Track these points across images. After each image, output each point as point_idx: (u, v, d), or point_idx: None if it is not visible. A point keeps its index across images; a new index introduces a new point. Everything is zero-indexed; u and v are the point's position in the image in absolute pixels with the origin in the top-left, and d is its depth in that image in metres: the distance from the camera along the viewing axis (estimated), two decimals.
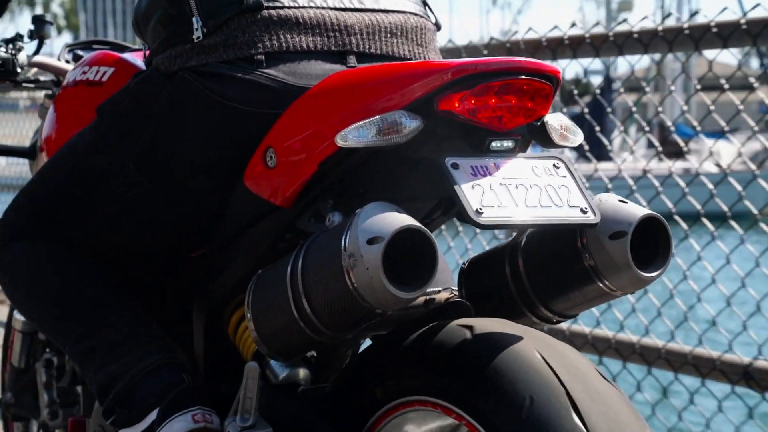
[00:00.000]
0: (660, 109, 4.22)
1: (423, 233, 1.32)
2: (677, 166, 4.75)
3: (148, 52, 1.75)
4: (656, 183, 3.67)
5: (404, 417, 1.48)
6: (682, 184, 3.56)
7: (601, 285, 1.45)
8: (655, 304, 3.67)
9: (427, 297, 1.54)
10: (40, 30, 2.38)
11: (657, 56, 5.02)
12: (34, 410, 2.35)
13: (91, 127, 1.80)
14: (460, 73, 1.39)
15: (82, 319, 1.73)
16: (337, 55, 1.63)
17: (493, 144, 1.43)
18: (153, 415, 1.61)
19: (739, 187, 3.40)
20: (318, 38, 1.62)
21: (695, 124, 3.81)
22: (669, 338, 3.48)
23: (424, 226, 1.33)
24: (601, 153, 4.45)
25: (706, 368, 3.29)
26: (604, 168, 3.93)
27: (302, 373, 1.61)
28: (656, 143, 4.36)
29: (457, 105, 1.39)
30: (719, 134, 3.87)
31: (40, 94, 2.44)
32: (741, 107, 3.43)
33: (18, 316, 2.44)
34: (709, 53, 3.59)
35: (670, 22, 3.56)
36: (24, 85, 2.38)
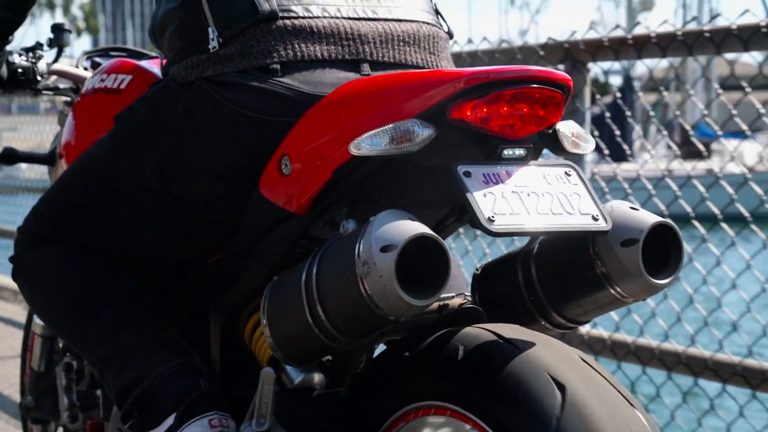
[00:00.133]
0: (677, 113, 4.21)
1: (436, 241, 1.34)
2: (699, 167, 4.72)
3: (164, 62, 1.77)
4: (674, 187, 3.65)
5: (418, 422, 1.49)
6: (701, 188, 3.54)
7: (612, 292, 1.46)
8: (675, 308, 3.64)
9: (441, 302, 1.55)
10: (59, 38, 2.41)
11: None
12: (54, 413, 2.37)
13: (109, 135, 1.83)
14: (472, 82, 1.40)
15: (100, 325, 1.76)
16: (351, 64, 1.65)
17: (505, 152, 1.44)
18: (170, 420, 1.63)
19: (760, 191, 3.38)
20: (332, 47, 1.64)
21: (716, 127, 3.79)
22: (689, 343, 3.46)
23: (436, 234, 1.34)
24: (621, 154, 4.43)
25: (726, 373, 3.28)
26: (625, 169, 3.90)
27: (317, 377, 1.62)
28: (674, 146, 4.33)
29: (469, 113, 1.40)
30: (742, 135, 3.85)
31: (60, 97, 2.47)
32: (762, 110, 3.41)
33: (37, 321, 2.47)
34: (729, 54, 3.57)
35: (690, 25, 3.55)
36: (44, 92, 2.41)
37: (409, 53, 1.68)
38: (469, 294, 1.61)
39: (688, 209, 3.55)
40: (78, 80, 2.44)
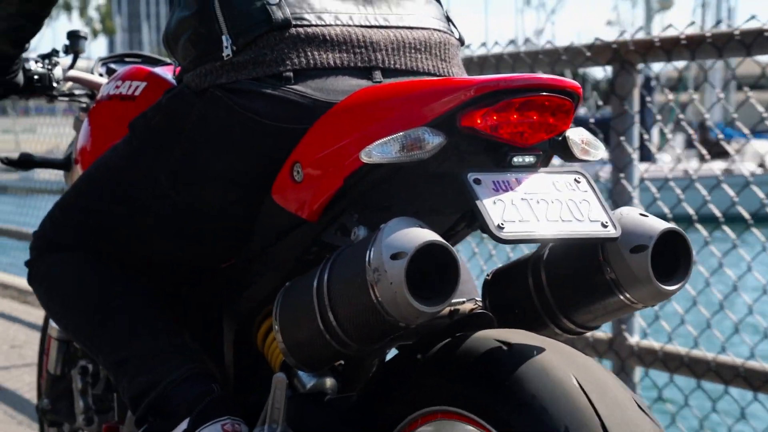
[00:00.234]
0: (706, 115, 4.16)
1: (446, 248, 1.35)
2: (718, 166, 4.68)
3: (178, 69, 1.79)
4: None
5: (430, 427, 1.49)
6: (731, 192, 3.50)
7: (622, 298, 1.47)
8: (705, 315, 3.58)
9: (452, 308, 1.56)
10: (74, 45, 2.44)
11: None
12: (69, 416, 2.39)
13: (123, 141, 1.84)
14: (482, 90, 1.41)
15: (115, 330, 1.77)
16: (363, 71, 1.66)
17: (515, 159, 1.45)
18: (184, 425, 1.64)
19: None
20: (344, 54, 1.65)
21: (745, 129, 3.75)
22: (719, 350, 3.43)
23: (446, 241, 1.35)
24: (648, 155, 4.40)
25: (758, 381, 3.26)
26: (644, 168, 3.87)
27: (329, 382, 1.64)
28: (700, 146, 4.29)
29: (479, 121, 1.41)
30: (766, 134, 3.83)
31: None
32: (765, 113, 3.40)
33: (54, 324, 2.48)
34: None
35: (706, 26, 3.53)
36: (60, 99, 2.44)
37: (421, 60, 1.70)
38: (480, 299, 1.62)
39: (717, 213, 3.52)
40: (93, 86, 2.46)
